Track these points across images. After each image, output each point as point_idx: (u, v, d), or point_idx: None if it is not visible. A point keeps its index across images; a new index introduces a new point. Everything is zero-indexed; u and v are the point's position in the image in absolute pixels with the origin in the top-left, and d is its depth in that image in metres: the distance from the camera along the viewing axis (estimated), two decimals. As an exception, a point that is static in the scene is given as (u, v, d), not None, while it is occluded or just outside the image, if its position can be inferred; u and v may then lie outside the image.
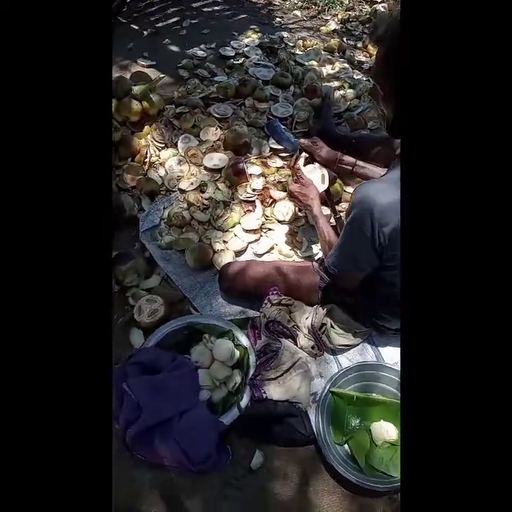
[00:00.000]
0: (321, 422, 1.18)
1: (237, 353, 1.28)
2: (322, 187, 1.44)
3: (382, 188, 0.96)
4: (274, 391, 1.22)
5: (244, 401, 1.20)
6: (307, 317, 1.34)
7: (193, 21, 2.94)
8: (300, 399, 1.22)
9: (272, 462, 1.18)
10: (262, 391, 1.22)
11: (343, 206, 1.68)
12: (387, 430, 1.18)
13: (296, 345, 1.31)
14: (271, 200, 1.73)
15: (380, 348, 1.35)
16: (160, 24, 2.88)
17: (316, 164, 1.48)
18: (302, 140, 1.51)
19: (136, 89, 1.94)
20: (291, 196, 1.51)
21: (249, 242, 1.64)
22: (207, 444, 1.12)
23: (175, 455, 1.10)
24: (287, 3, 3.48)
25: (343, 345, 1.32)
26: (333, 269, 1.14)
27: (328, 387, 1.23)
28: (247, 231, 1.66)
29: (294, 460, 1.19)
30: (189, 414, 1.15)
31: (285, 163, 1.85)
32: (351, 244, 1.07)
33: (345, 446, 1.19)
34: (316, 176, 1.46)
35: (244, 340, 1.32)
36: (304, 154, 1.48)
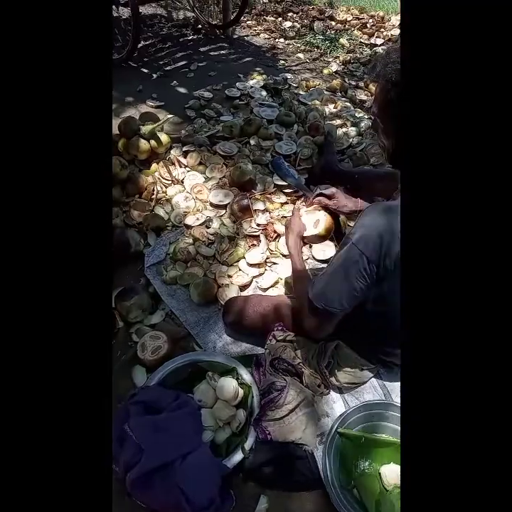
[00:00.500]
0: (328, 465, 1.13)
1: (241, 391, 1.25)
2: (313, 231, 1.41)
3: (393, 209, 0.96)
4: (280, 432, 1.18)
5: (249, 443, 1.16)
6: (313, 354, 1.31)
7: (200, 64, 3.08)
8: (306, 440, 1.18)
9: (277, 507, 1.13)
10: (267, 432, 1.19)
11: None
12: (398, 474, 1.13)
13: (302, 383, 1.28)
14: (275, 234, 1.75)
15: (387, 386, 1.31)
16: (169, 67, 3.02)
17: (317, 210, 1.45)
18: (317, 200, 1.45)
19: (144, 128, 2.01)
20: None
21: (254, 277, 1.64)
22: (210, 488, 1.08)
23: (176, 501, 1.05)
24: (291, 46, 3.64)
25: (349, 383, 1.29)
26: (322, 304, 1.04)
27: (335, 427, 1.19)
28: (251, 265, 1.66)
29: (299, 505, 1.14)
30: (192, 456, 1.12)
31: (289, 198, 1.88)
32: (343, 275, 0.99)
33: (354, 490, 1.14)
34: (310, 219, 1.43)
35: (248, 379, 1.30)
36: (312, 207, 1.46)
